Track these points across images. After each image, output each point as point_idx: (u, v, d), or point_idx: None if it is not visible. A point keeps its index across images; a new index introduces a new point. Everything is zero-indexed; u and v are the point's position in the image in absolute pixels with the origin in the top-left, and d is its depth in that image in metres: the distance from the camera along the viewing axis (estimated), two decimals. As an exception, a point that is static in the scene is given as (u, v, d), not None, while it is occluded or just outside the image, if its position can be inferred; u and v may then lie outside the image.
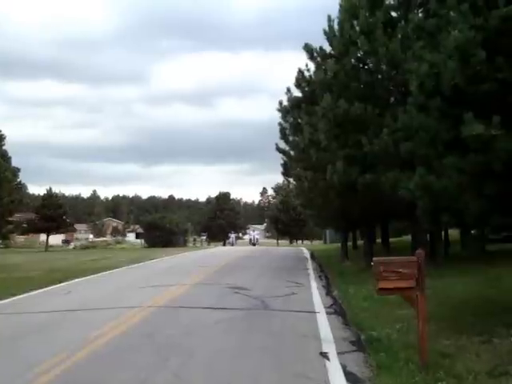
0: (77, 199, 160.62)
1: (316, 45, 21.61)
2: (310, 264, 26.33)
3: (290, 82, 25.89)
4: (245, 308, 12.01)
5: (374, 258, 7.38)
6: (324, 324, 10.18)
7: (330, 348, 8.17)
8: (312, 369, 7.14)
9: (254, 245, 65.83)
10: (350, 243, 36.44)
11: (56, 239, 70.77)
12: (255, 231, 78.09)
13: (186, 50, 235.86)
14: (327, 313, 11.46)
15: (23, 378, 6.84)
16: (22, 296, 15.30)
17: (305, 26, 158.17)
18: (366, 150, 16.75)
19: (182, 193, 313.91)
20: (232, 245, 72.42)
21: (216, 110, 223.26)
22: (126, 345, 8.63)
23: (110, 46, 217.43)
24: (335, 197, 21.33)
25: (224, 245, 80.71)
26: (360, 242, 37.95)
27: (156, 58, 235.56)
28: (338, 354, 7.85)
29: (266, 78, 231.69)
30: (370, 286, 12.48)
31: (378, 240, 36.59)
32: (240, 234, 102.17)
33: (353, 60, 18.22)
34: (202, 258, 32.94)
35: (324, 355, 7.74)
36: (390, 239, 33.56)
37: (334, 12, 18.98)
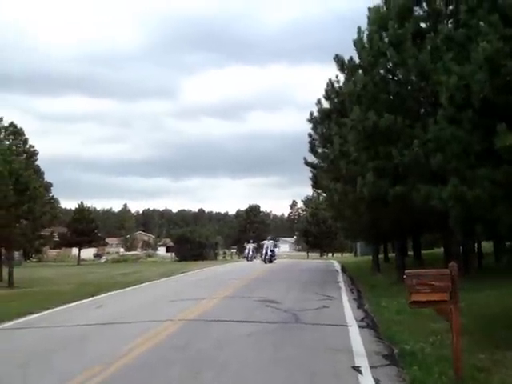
0: (108, 213, 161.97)
1: (345, 57, 21.77)
2: (340, 277, 26.18)
3: (319, 93, 26.03)
4: (276, 321, 11.96)
5: (406, 271, 7.32)
6: (356, 337, 10.09)
7: (363, 362, 8.09)
8: (345, 383, 7.09)
9: (269, 261, 40.80)
10: (381, 256, 36.16)
11: (87, 253, 71.57)
12: (271, 241, 44.39)
13: (214, 64, 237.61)
14: (359, 326, 11.36)
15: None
16: (54, 310, 15.47)
17: (331, 38, 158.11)
18: (396, 162, 16.65)
19: (212, 206, 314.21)
20: (249, 259, 47.97)
21: (244, 123, 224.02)
22: (158, 358, 8.65)
23: (139, 62, 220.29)
24: (365, 209, 21.25)
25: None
26: (391, 255, 37.63)
27: (184, 73, 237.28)
28: (371, 367, 7.77)
29: (293, 91, 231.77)
30: (402, 299, 12.36)
31: (410, 252, 36.26)
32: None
33: (382, 71, 18.17)
34: (232, 271, 32.92)
35: (356, 369, 7.66)
36: (422, 251, 33.24)
37: (360, 24, 19.01)
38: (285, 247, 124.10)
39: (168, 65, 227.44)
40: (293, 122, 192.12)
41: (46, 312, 14.99)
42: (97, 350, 9.51)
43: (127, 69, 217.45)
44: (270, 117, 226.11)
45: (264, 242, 44.18)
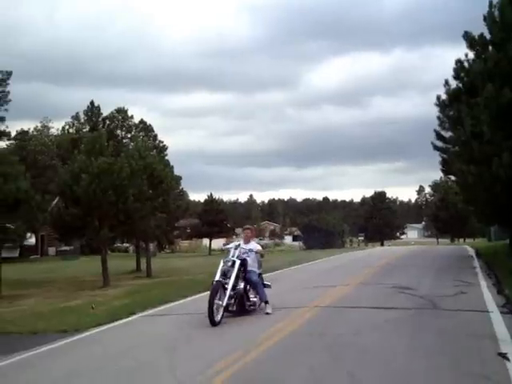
0: (234, 204, 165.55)
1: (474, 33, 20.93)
2: (476, 262, 25.23)
3: (442, 75, 25.15)
4: (412, 307, 11.75)
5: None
6: (499, 323, 9.70)
7: (510, 348, 7.75)
8: (492, 369, 6.83)
9: (241, 306, 12.02)
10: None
11: (217, 243, 73.50)
12: (252, 243, 13.14)
13: (332, 51, 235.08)
14: (501, 312, 10.90)
15: (204, 375, 7.17)
16: (191, 298, 16.14)
17: (453, 18, 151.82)
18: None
19: (336, 194, 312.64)
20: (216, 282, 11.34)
21: (366, 109, 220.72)
22: (297, 344, 8.76)
23: (258, 54, 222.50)
24: (502, 191, 20.33)
25: (382, 245, 79.04)
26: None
27: (303, 62, 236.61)
28: (519, 354, 7.45)
29: (415, 74, 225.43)
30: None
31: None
32: (397, 234, 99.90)
33: (515, 46, 17.29)
34: (361, 258, 32.68)
35: (503, 356, 7.37)
36: None
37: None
38: (413, 234, 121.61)
39: (287, 55, 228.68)
40: (416, 105, 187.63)
41: (183, 300, 15.71)
42: (236, 337, 9.81)
43: (246, 61, 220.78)
44: (392, 101, 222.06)
45: (230, 245, 13.52)
